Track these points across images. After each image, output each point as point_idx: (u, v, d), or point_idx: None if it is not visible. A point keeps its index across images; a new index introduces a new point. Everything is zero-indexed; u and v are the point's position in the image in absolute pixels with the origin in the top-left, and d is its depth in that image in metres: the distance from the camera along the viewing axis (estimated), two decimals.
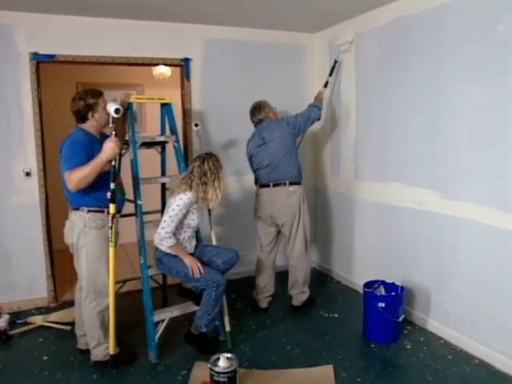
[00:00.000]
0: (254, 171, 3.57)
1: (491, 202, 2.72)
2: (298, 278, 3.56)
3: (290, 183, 3.43)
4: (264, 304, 3.61)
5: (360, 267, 3.96)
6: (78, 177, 2.49)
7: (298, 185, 3.48)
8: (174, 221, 2.78)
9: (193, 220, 2.90)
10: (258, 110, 3.52)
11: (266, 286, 3.59)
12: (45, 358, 2.94)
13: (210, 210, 3.32)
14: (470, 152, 2.84)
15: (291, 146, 3.45)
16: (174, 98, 3.45)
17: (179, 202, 2.78)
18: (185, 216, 2.85)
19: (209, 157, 2.87)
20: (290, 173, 3.44)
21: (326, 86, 3.96)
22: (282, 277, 3.78)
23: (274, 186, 3.43)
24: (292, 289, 3.62)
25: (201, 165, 2.83)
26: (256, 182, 3.62)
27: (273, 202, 3.44)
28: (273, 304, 3.67)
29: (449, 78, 2.93)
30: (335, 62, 4.01)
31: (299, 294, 3.59)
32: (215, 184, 2.82)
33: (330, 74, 4.01)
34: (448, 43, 2.92)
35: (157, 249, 2.91)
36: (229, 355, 2.48)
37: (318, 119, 3.64)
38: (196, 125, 3.42)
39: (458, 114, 2.89)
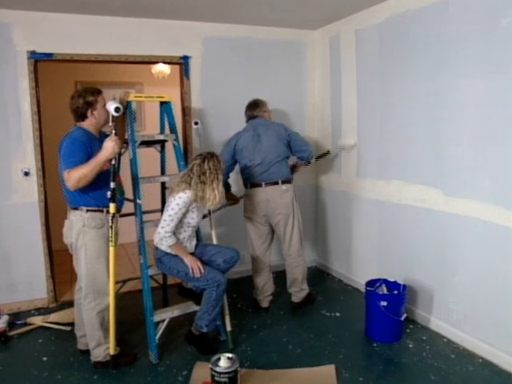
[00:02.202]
0: (243, 168, 3.49)
1: (494, 200, 2.69)
2: (297, 275, 3.55)
3: (283, 182, 3.44)
4: (265, 303, 3.59)
5: (362, 266, 3.94)
6: (77, 175, 2.47)
7: (290, 183, 3.50)
8: (174, 220, 2.75)
9: (192, 219, 2.87)
10: (255, 105, 3.53)
11: (265, 285, 3.57)
12: (44, 358, 2.92)
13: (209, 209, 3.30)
14: (472, 149, 2.81)
15: (284, 149, 3.45)
16: (174, 97, 3.43)
17: (178, 200, 2.76)
18: (184, 215, 2.82)
19: (210, 156, 2.85)
20: (282, 172, 3.45)
21: (306, 164, 3.89)
22: (279, 276, 3.77)
23: (267, 185, 3.42)
24: (291, 287, 3.61)
25: (201, 163, 2.81)
26: (245, 183, 3.54)
27: (267, 201, 3.42)
28: (274, 303, 3.65)
29: (451, 74, 2.91)
30: (328, 152, 4.05)
31: (299, 291, 3.59)
32: (214, 184, 2.78)
33: (316, 159, 4.00)
34: (450, 39, 2.89)
35: (157, 248, 2.89)
36: (230, 355, 2.46)
37: (307, 160, 3.58)
38: (196, 123, 3.40)
39: (461, 110, 2.86)
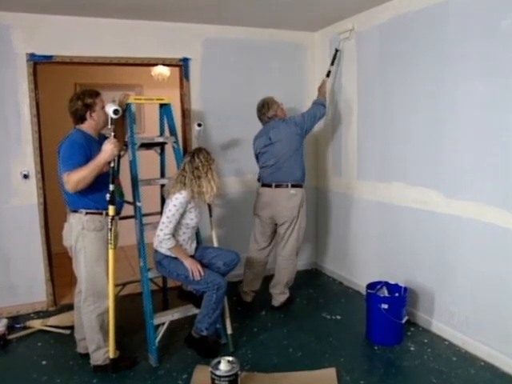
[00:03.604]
0: (260, 168, 3.60)
1: (495, 202, 2.68)
2: (282, 278, 3.59)
3: (292, 186, 3.44)
4: (248, 298, 3.62)
5: (362, 268, 3.92)
6: (76, 178, 2.47)
7: (300, 187, 3.50)
8: (172, 221, 2.75)
9: (191, 219, 2.86)
10: (266, 107, 3.49)
11: (252, 280, 3.60)
12: (44, 362, 2.90)
13: (210, 211, 3.30)
14: (473, 151, 2.80)
15: (297, 146, 3.46)
16: (173, 99, 3.42)
17: (175, 202, 2.76)
18: (182, 216, 2.82)
19: (198, 151, 2.88)
20: (293, 175, 3.45)
21: (328, 75, 3.91)
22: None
23: (276, 186, 3.45)
24: (273, 288, 3.64)
25: (191, 159, 2.83)
26: (259, 179, 3.64)
27: (273, 202, 3.45)
28: (274, 306, 3.63)
29: (451, 75, 2.90)
30: (336, 50, 3.95)
31: (279, 294, 3.62)
32: (209, 176, 2.81)
33: (332, 63, 3.95)
34: (450, 40, 2.88)
35: (156, 251, 2.88)
36: (230, 358, 2.44)
37: (323, 116, 3.65)
38: (199, 125, 3.37)
39: (461, 112, 2.85)
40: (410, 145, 3.28)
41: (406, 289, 3.13)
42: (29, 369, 2.82)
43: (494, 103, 2.64)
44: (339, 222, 4.22)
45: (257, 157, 3.61)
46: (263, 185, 3.53)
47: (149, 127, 5.10)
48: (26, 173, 3.52)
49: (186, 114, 3.97)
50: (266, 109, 3.49)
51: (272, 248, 3.68)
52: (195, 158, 2.83)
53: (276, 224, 3.55)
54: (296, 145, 3.44)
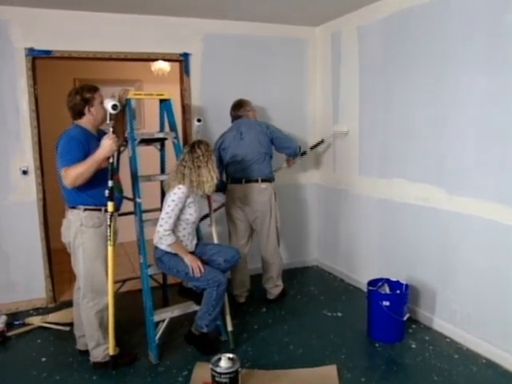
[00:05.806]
0: (225, 165, 3.56)
1: (498, 198, 2.66)
2: (272, 273, 3.64)
3: (262, 180, 3.49)
4: (242, 299, 3.65)
5: (364, 265, 3.90)
6: (74, 173, 2.45)
7: (269, 182, 3.55)
8: (172, 217, 2.73)
9: (190, 215, 2.85)
10: (239, 105, 3.61)
11: (241, 281, 3.62)
12: (43, 359, 2.89)
13: (210, 207, 3.27)
14: (475, 147, 2.78)
15: (266, 147, 3.52)
16: (174, 94, 3.40)
17: (174, 197, 2.75)
18: (182, 211, 2.81)
19: (199, 142, 2.89)
20: (262, 171, 3.51)
21: (302, 155, 4.00)
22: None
23: (246, 182, 3.48)
24: (266, 283, 3.69)
25: (192, 150, 2.83)
26: (227, 178, 3.62)
27: (245, 198, 3.49)
28: (274, 304, 3.63)
29: (454, 71, 2.87)
30: (322, 140, 4.13)
31: (273, 287, 3.67)
32: (209, 166, 2.81)
33: (311, 149, 4.14)
34: (453, 35, 2.85)
35: (156, 248, 2.86)
36: (230, 355, 2.44)
37: (293, 156, 3.72)
38: (199, 120, 3.35)
39: (464, 108, 2.83)
40: (412, 141, 3.26)
41: (407, 286, 3.11)
42: (28, 366, 2.81)
43: (496, 99, 2.61)
44: (340, 219, 4.20)
45: (220, 153, 3.54)
46: (232, 181, 3.55)
47: (149, 123, 5.08)
48: (25, 169, 3.50)
49: (186, 109, 3.95)
50: (238, 107, 3.60)
51: (250, 243, 3.68)
52: (196, 148, 2.82)
53: (248, 221, 3.57)
54: (265, 145, 3.50)
